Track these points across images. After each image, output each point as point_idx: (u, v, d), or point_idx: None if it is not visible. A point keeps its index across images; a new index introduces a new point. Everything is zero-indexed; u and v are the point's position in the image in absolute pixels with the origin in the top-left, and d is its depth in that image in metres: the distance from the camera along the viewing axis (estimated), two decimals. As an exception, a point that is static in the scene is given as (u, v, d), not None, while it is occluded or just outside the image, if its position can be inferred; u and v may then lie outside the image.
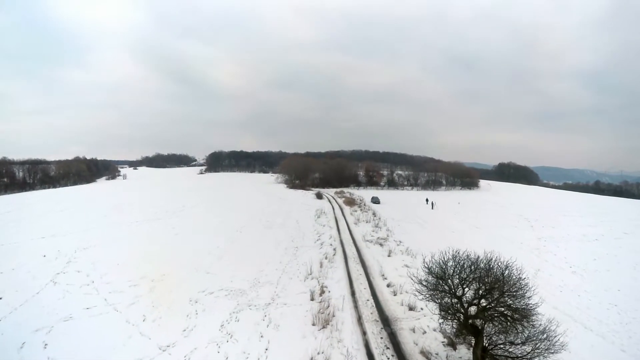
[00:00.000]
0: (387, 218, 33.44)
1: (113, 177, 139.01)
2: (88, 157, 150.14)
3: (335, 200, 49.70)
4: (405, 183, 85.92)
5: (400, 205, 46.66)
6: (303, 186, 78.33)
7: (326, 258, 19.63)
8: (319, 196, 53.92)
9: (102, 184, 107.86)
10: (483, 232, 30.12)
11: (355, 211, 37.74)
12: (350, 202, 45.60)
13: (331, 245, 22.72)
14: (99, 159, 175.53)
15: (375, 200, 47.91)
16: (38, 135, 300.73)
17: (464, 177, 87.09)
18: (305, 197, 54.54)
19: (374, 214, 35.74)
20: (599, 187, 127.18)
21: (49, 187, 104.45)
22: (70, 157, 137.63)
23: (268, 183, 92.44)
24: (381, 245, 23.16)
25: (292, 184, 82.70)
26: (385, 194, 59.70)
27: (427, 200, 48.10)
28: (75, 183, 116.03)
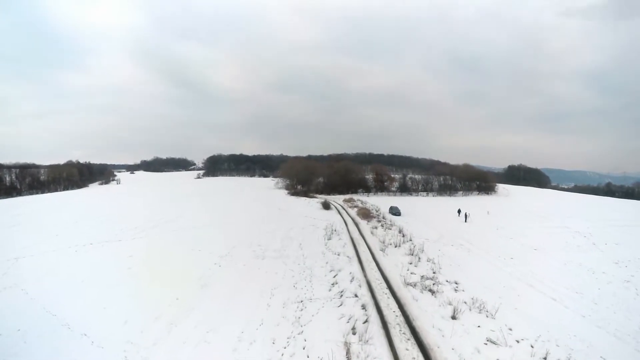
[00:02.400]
0: (421, 239, 25.04)
1: (107, 182, 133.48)
2: (87, 162, 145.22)
3: (347, 212, 41.28)
4: (419, 188, 77.52)
5: (425, 217, 38.20)
6: (306, 192, 70.25)
7: (354, 332, 11.28)
8: (326, 206, 45.35)
9: (91, 190, 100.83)
10: (546, 256, 22.24)
11: (376, 228, 29.31)
12: (365, 213, 37.11)
13: (356, 296, 14.21)
14: (98, 163, 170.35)
15: (395, 212, 39.27)
16: (39, 139, 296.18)
17: (480, 180, 78.84)
18: (309, 207, 46.23)
19: (400, 232, 27.27)
20: (610, 190, 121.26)
21: (37, 193, 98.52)
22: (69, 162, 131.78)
23: (268, 188, 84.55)
24: (432, 292, 14.85)
25: (294, 190, 74.72)
26: (401, 202, 51.35)
27: (459, 211, 39.57)
28: (66, 188, 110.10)
